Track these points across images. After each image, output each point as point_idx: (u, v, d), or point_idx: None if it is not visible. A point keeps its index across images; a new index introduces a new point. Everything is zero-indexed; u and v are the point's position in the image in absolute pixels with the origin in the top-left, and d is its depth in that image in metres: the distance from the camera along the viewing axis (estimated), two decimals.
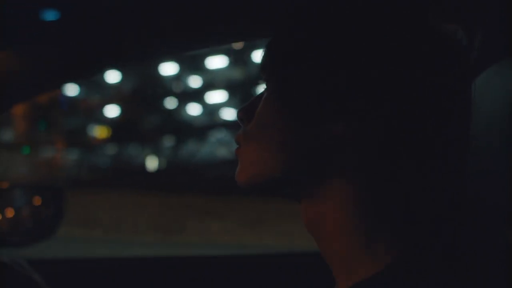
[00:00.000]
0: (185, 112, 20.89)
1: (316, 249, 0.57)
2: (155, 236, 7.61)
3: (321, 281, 0.64)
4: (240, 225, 7.81)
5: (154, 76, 20.71)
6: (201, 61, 19.97)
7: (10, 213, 1.07)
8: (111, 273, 1.27)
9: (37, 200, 1.10)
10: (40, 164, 19.92)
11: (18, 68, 0.93)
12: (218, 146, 16.32)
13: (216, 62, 19.63)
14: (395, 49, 0.50)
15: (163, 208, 9.38)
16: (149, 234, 7.69)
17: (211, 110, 19.76)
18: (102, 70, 1.11)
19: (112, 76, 20.55)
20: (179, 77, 20.59)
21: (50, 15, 0.81)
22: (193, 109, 20.68)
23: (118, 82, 20.88)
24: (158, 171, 18.36)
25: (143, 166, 19.33)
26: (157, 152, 20.20)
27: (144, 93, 20.34)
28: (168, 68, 20.20)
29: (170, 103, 20.47)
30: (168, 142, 20.35)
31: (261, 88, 0.61)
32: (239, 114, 0.60)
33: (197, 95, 20.49)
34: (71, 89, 19.65)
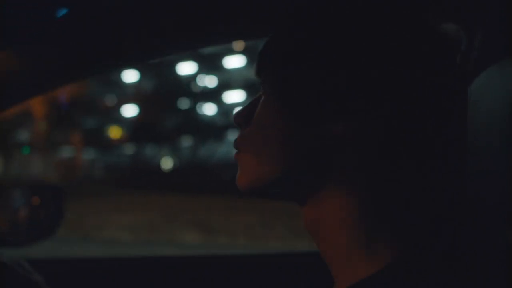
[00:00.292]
0: (203, 112, 20.94)
1: (316, 249, 0.57)
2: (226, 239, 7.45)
3: (320, 281, 0.64)
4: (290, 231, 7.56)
5: (172, 76, 20.71)
6: (219, 60, 20.00)
7: (10, 213, 1.07)
8: (111, 273, 1.27)
9: (37, 200, 1.10)
10: (59, 164, 20.04)
11: (18, 68, 0.93)
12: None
13: (234, 61, 19.66)
14: (395, 49, 0.50)
15: (205, 208, 9.34)
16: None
17: (229, 110, 19.79)
18: (102, 70, 1.11)
19: (130, 76, 20.60)
20: (196, 77, 20.62)
21: (50, 15, 0.81)
22: (211, 109, 20.72)
23: (136, 82, 20.93)
24: (175, 171, 18.40)
25: (160, 166, 19.41)
26: (174, 152, 20.25)
27: (162, 93, 20.33)
28: (186, 68, 20.22)
29: (187, 103, 20.51)
30: (185, 142, 20.37)
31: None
32: (236, 119, 0.60)
33: (214, 95, 20.52)
34: (91, 89, 19.74)
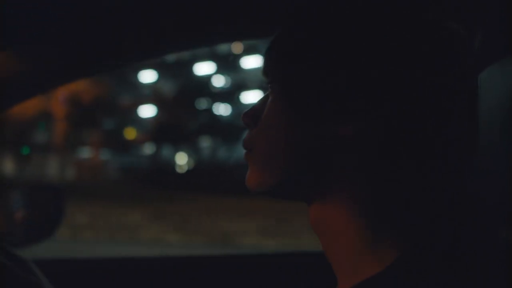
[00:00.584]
0: (220, 112, 20.93)
1: (316, 249, 0.57)
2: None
3: (321, 281, 0.64)
4: None
5: (189, 76, 20.71)
6: (236, 60, 19.99)
7: (10, 213, 1.07)
8: (111, 273, 1.27)
9: (37, 200, 1.10)
10: (79, 165, 20.09)
11: (18, 68, 0.93)
12: None
13: (251, 61, 19.66)
14: (395, 49, 0.50)
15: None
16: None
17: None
18: (102, 70, 1.11)
19: (148, 77, 20.62)
20: (214, 77, 20.62)
21: (50, 15, 0.81)
22: (228, 110, 20.73)
23: (154, 83, 20.95)
24: (194, 171, 18.44)
25: (179, 166, 19.43)
26: (194, 152, 20.26)
27: (180, 94, 20.33)
28: (204, 68, 20.22)
29: (205, 103, 20.51)
30: (204, 142, 20.38)
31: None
32: (244, 119, 0.60)
33: (231, 95, 20.53)
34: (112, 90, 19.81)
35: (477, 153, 0.54)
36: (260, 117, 0.58)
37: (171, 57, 19.88)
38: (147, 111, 21.16)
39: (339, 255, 0.54)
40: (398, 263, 0.50)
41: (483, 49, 0.82)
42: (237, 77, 20.39)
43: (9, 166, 18.68)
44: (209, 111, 20.94)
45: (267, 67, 0.58)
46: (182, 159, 20.49)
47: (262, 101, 0.59)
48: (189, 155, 20.27)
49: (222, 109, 20.94)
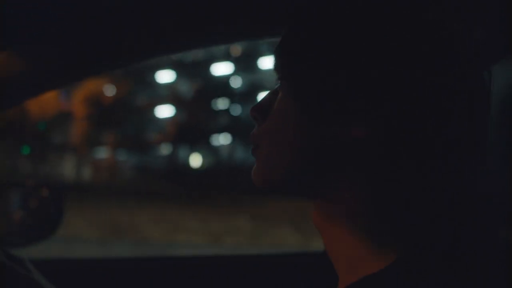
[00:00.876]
0: (238, 112, 20.99)
1: (316, 249, 0.57)
2: None
3: (321, 281, 0.64)
4: None
5: (207, 76, 20.75)
6: (254, 61, 20.02)
7: (10, 213, 1.07)
8: (111, 273, 1.27)
9: (37, 200, 1.10)
10: (97, 165, 20.16)
11: (18, 68, 0.93)
12: None
13: (269, 62, 19.80)
14: (395, 49, 0.50)
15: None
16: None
17: None
18: (102, 70, 1.11)
19: (166, 77, 20.64)
20: (233, 78, 20.67)
21: (50, 15, 0.81)
22: (246, 110, 20.81)
23: (172, 83, 20.99)
24: (210, 172, 18.49)
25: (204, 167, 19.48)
26: (212, 153, 20.31)
27: (200, 94, 20.37)
28: (221, 69, 20.27)
29: (223, 103, 20.57)
30: (222, 142, 20.44)
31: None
32: (252, 113, 0.60)
33: (249, 96, 20.60)
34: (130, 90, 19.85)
35: (487, 152, 0.54)
36: (268, 112, 0.58)
37: (188, 57, 19.97)
38: (164, 111, 21.19)
39: (340, 253, 0.55)
40: (398, 263, 0.50)
41: (484, 49, 0.82)
42: (255, 78, 20.40)
43: (27, 166, 18.85)
44: (227, 111, 20.95)
45: (276, 64, 0.58)
46: (196, 160, 20.54)
47: (271, 96, 0.59)
48: (206, 156, 20.30)
49: (240, 110, 20.97)
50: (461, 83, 0.53)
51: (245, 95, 20.59)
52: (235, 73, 20.52)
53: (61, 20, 0.83)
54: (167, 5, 0.85)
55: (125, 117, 20.21)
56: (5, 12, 0.76)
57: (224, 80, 20.58)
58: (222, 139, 20.75)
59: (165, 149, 21.17)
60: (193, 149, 20.61)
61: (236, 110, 21.08)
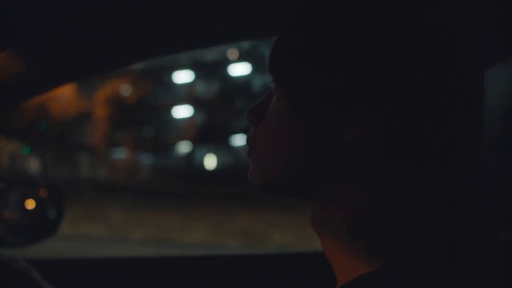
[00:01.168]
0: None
1: (316, 249, 0.57)
2: None
3: (321, 281, 0.64)
4: None
5: (226, 77, 20.77)
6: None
7: (10, 213, 1.07)
8: (111, 273, 1.27)
9: (37, 200, 1.10)
10: (116, 165, 20.19)
11: (18, 68, 0.93)
12: None
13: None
14: (394, 49, 0.50)
15: None
16: None
17: None
18: (102, 70, 1.11)
19: (184, 77, 20.66)
20: (250, 78, 20.72)
21: (50, 15, 0.81)
22: None
23: (190, 83, 21.00)
24: (226, 172, 18.55)
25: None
26: (231, 153, 20.38)
27: (218, 94, 20.38)
28: (239, 69, 20.31)
29: (241, 104, 20.60)
30: (240, 143, 20.52)
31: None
32: (248, 116, 0.60)
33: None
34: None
35: (481, 152, 0.54)
36: (264, 114, 0.58)
37: (207, 57, 19.98)
38: (182, 111, 21.19)
39: (339, 254, 0.55)
40: (397, 263, 0.50)
41: (484, 50, 0.82)
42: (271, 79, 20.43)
43: (46, 166, 18.94)
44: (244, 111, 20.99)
45: (271, 65, 0.58)
46: (211, 161, 20.57)
47: (266, 98, 0.59)
48: (225, 156, 20.31)
49: None
50: (461, 83, 0.52)
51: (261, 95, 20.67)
52: (253, 73, 20.55)
53: (61, 20, 0.83)
54: (167, 5, 0.85)
55: (145, 118, 20.25)
56: (5, 12, 0.76)
57: (242, 81, 20.61)
58: (242, 140, 20.87)
59: (184, 149, 21.19)
60: (211, 150, 20.64)
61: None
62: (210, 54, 19.86)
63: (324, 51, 0.52)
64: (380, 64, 0.50)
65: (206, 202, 11.42)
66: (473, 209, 0.57)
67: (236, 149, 20.48)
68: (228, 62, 19.93)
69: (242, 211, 10.39)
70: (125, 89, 19.47)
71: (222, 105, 19.60)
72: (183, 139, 20.93)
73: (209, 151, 20.63)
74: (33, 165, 19.30)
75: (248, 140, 0.60)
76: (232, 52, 18.83)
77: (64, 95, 18.12)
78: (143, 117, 20.21)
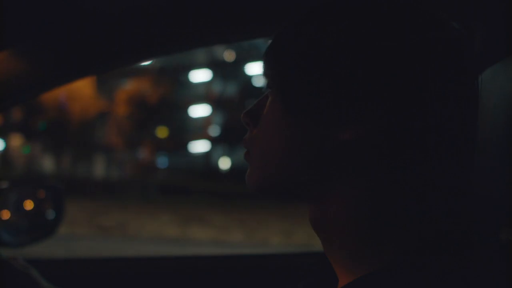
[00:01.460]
0: None
1: (316, 249, 0.57)
2: None
3: (322, 281, 0.64)
4: None
5: (243, 76, 20.80)
6: None
7: (9, 213, 1.07)
8: (111, 273, 1.27)
9: (37, 200, 1.10)
10: (133, 164, 20.25)
11: (18, 68, 0.93)
12: None
13: None
14: (394, 53, 0.50)
15: None
16: None
17: None
18: (102, 70, 1.11)
19: (201, 76, 20.63)
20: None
21: (51, 15, 0.81)
22: None
23: (208, 82, 20.98)
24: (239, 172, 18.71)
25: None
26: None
27: (236, 94, 20.41)
28: (256, 69, 20.38)
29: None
30: None
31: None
32: (244, 118, 0.60)
33: None
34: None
35: (475, 153, 0.54)
36: (260, 117, 0.58)
37: (226, 56, 20.01)
38: (200, 110, 21.21)
39: (339, 254, 0.55)
40: (396, 263, 0.50)
41: (484, 49, 0.82)
42: None
43: (66, 166, 19.05)
44: None
45: (265, 69, 0.58)
46: (225, 162, 20.64)
47: (261, 101, 0.60)
48: (238, 157, 20.40)
49: None
50: (461, 85, 0.52)
51: None
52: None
53: (61, 20, 0.83)
54: (167, 5, 0.85)
55: (163, 117, 20.29)
56: (5, 12, 0.76)
57: (260, 80, 20.65)
58: None
59: (203, 149, 21.23)
60: (231, 150, 20.68)
61: None
62: (228, 53, 19.88)
63: (324, 56, 0.52)
64: (377, 67, 0.50)
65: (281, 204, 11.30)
66: (473, 209, 0.57)
67: None
68: (246, 61, 19.97)
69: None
70: (145, 89, 19.51)
71: (240, 105, 19.65)
72: (201, 138, 20.98)
73: (230, 151, 20.68)
74: (49, 165, 19.39)
75: (244, 143, 0.60)
76: (250, 52, 18.87)
77: (83, 95, 18.21)
78: (162, 116, 20.25)
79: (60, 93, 17.49)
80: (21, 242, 1.07)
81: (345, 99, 0.50)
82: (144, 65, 20.63)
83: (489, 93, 0.63)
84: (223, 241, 7.85)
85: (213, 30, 0.95)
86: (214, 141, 20.84)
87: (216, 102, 20.80)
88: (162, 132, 20.90)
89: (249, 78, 20.55)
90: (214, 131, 20.69)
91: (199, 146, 21.14)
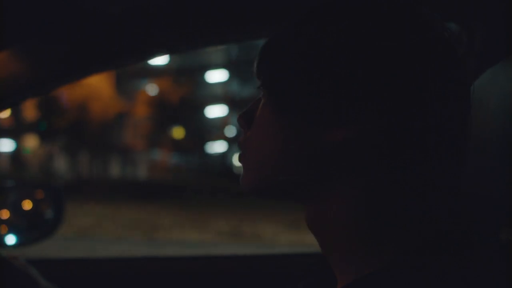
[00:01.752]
0: None
1: (316, 249, 0.57)
2: None
3: (322, 282, 0.64)
4: None
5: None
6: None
7: (9, 213, 1.07)
8: (111, 273, 1.27)
9: (35, 200, 1.10)
10: (155, 165, 20.21)
11: (18, 68, 0.93)
12: None
13: None
14: (394, 53, 0.50)
15: None
16: None
17: None
18: (102, 70, 1.11)
19: (218, 76, 20.57)
20: None
21: (51, 15, 0.81)
22: None
23: (225, 82, 20.96)
24: None
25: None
26: None
27: (251, 94, 20.59)
28: None
29: None
30: None
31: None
32: (239, 120, 0.60)
33: None
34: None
35: (468, 152, 0.54)
36: (254, 119, 0.58)
37: (242, 56, 20.01)
38: (217, 111, 21.20)
39: (338, 254, 0.54)
40: (396, 262, 0.50)
41: (484, 49, 0.82)
42: None
43: (86, 166, 19.08)
44: None
45: (258, 70, 0.58)
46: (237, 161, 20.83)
47: (255, 103, 0.59)
48: None
49: None
50: (461, 87, 0.53)
51: None
52: None
53: (61, 20, 0.83)
54: (167, 5, 0.85)
55: (182, 117, 20.30)
56: (5, 12, 0.76)
57: None
58: None
59: (220, 149, 21.24)
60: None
61: None
62: (245, 53, 19.85)
63: (316, 54, 0.52)
64: (372, 65, 0.50)
65: None
66: (473, 209, 0.57)
67: None
68: None
69: None
70: (165, 89, 19.51)
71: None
72: (218, 138, 21.00)
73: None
74: (64, 165, 19.40)
75: (239, 145, 0.60)
76: None
77: (102, 95, 18.24)
78: (184, 116, 20.26)
79: (79, 93, 17.57)
80: (21, 242, 1.07)
81: (345, 99, 0.50)
82: (162, 65, 20.66)
83: (489, 93, 0.63)
84: None
85: (213, 30, 0.95)
86: (230, 141, 20.82)
87: (233, 103, 20.79)
88: (179, 132, 20.92)
89: None
90: (231, 131, 20.67)
91: (217, 147, 21.16)
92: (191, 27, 0.93)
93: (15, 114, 18.52)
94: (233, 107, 20.97)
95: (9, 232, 1.05)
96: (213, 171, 19.51)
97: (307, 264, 0.70)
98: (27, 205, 1.08)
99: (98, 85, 17.83)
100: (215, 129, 21.48)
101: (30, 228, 1.09)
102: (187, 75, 20.14)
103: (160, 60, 20.81)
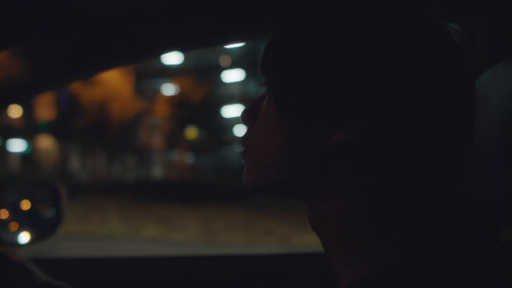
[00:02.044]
0: None
1: (316, 249, 0.57)
2: None
3: (322, 281, 0.64)
4: None
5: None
6: None
7: (9, 212, 1.06)
8: (111, 273, 1.27)
9: (34, 200, 1.10)
10: (171, 165, 20.22)
11: (18, 68, 0.93)
12: None
13: None
14: (394, 53, 0.50)
15: None
16: None
17: None
18: (102, 70, 1.11)
19: (234, 76, 20.51)
20: None
21: (51, 15, 0.81)
22: None
23: (241, 81, 20.93)
24: None
25: None
26: None
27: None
28: None
29: None
30: None
31: None
32: (242, 118, 0.60)
33: None
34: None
35: (472, 152, 0.54)
36: (257, 116, 0.58)
37: (259, 55, 20.08)
38: (234, 110, 21.22)
39: (339, 254, 0.55)
40: (396, 262, 0.50)
41: (484, 49, 0.82)
42: None
43: (104, 167, 19.11)
44: None
45: (262, 67, 0.58)
46: None
47: (259, 100, 0.60)
48: None
49: None
50: (462, 87, 0.53)
51: None
52: None
53: (61, 20, 0.83)
54: (167, 5, 0.85)
55: (201, 117, 20.29)
56: (5, 12, 0.76)
57: None
58: None
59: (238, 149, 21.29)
60: None
61: None
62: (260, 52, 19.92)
63: (316, 54, 0.52)
64: (372, 65, 0.50)
65: None
66: (473, 209, 0.57)
67: None
68: None
69: None
70: (185, 89, 19.50)
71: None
72: (235, 139, 21.02)
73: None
74: (79, 165, 19.40)
75: (242, 141, 0.60)
76: None
77: (121, 95, 18.23)
78: (199, 116, 20.24)
79: (98, 93, 17.54)
80: (21, 241, 1.06)
81: (345, 99, 0.50)
82: (178, 64, 20.57)
83: (489, 93, 0.63)
84: None
85: (213, 30, 0.95)
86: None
87: (249, 103, 20.90)
88: (195, 133, 20.91)
89: None
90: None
91: (234, 147, 21.17)
92: (191, 27, 0.93)
93: (27, 114, 18.44)
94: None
95: (10, 232, 1.05)
96: (232, 171, 19.50)
97: (307, 264, 0.70)
98: (25, 204, 1.08)
99: (118, 85, 17.82)
100: (231, 129, 21.51)
101: (29, 228, 1.08)
102: (205, 74, 20.12)
103: (176, 59, 20.82)
